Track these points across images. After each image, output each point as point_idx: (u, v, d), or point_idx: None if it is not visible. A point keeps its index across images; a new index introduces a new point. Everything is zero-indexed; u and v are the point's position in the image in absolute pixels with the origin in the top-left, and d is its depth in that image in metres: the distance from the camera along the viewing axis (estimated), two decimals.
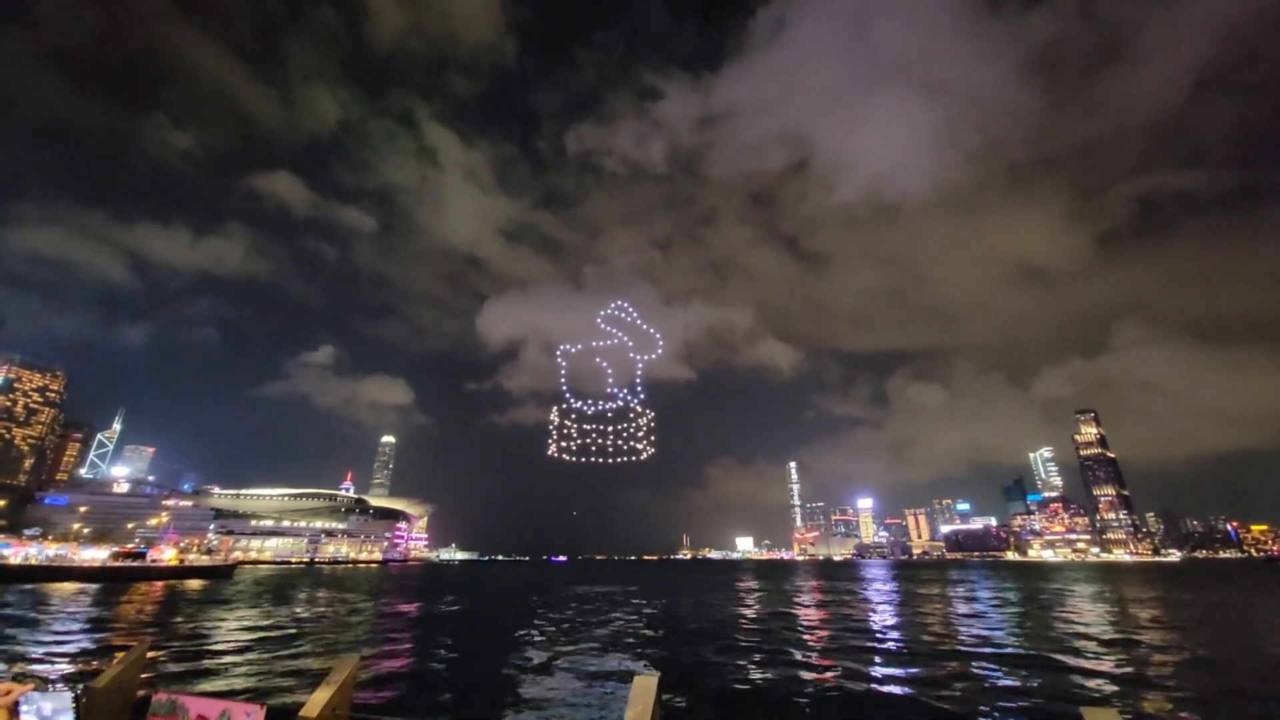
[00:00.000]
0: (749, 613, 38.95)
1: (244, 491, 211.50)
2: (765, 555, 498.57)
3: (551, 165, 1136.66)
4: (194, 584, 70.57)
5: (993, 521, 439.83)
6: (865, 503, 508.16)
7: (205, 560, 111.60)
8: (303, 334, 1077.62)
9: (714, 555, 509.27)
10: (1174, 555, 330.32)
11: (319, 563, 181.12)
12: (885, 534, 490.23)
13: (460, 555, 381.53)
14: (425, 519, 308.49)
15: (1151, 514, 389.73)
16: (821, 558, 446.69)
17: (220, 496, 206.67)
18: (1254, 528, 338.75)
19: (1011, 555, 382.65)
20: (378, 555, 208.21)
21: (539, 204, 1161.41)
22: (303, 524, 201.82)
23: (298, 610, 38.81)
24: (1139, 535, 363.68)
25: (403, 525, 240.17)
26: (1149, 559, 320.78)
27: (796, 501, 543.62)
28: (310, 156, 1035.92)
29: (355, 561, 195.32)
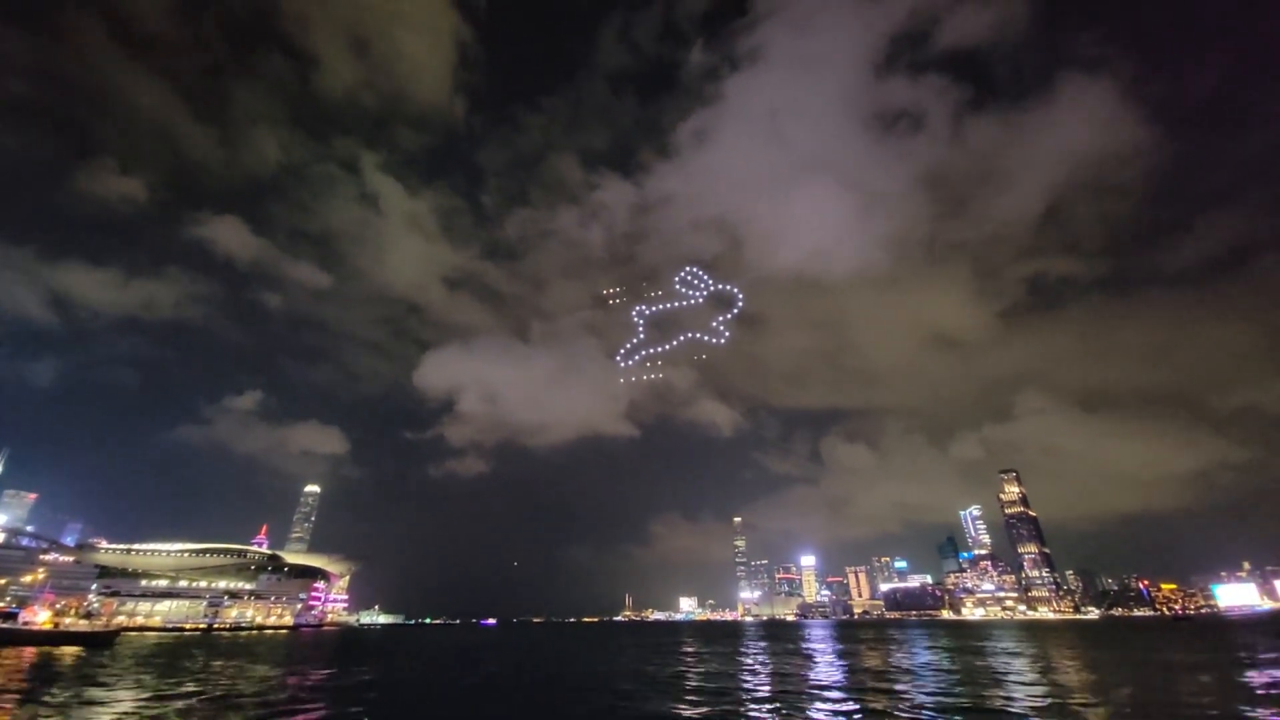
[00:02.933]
0: (692, 696, 37.52)
1: (136, 546, 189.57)
2: (709, 615, 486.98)
3: (495, 219, 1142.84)
4: (69, 652, 62.19)
5: (929, 579, 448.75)
6: (808, 560, 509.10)
7: (84, 625, 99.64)
8: (228, 377, 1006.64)
9: (658, 616, 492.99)
10: (1093, 613, 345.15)
11: (218, 629, 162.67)
12: (828, 593, 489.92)
13: (383, 618, 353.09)
14: (347, 578, 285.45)
15: (1070, 571, 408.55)
16: (765, 618, 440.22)
17: (107, 552, 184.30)
18: (1164, 586, 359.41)
19: (947, 614, 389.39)
20: (289, 619, 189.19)
21: (483, 255, 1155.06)
22: (203, 584, 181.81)
23: (185, 686, 34.24)
24: (1060, 593, 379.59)
25: (321, 585, 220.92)
26: (1071, 616, 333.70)
27: (741, 559, 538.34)
28: (248, 198, 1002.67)
29: (261, 627, 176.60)
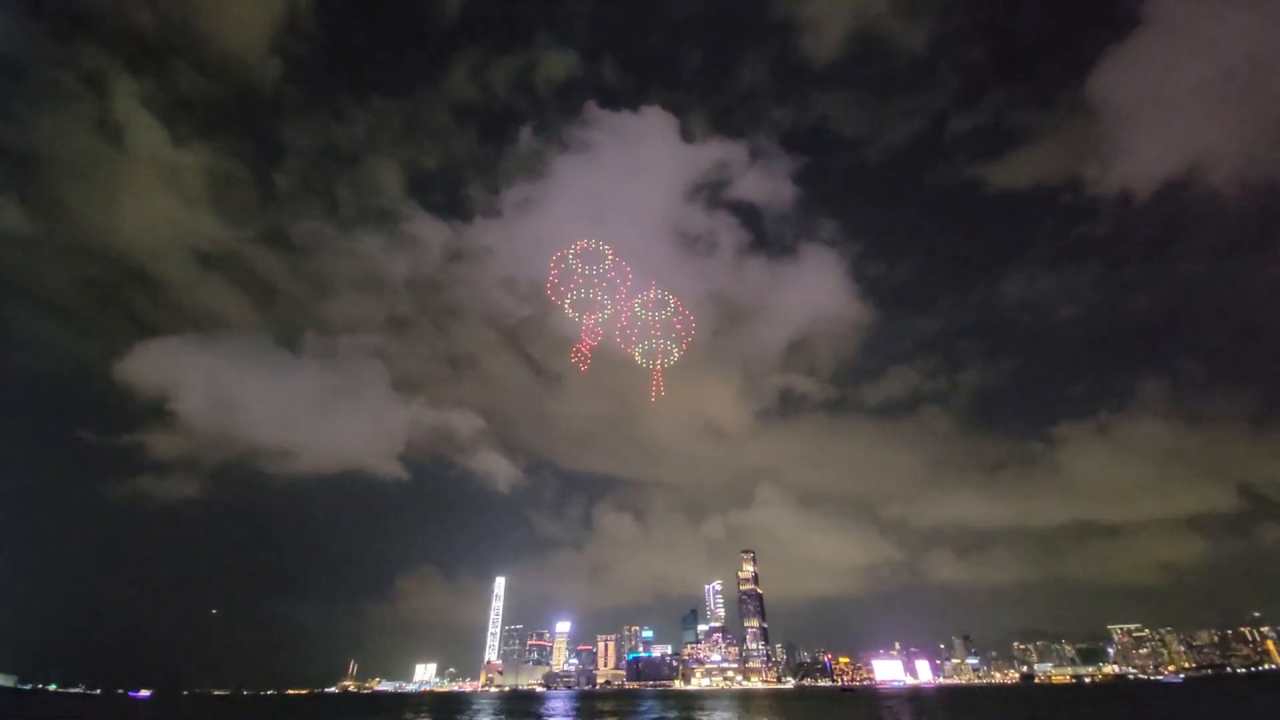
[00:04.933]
0: None
1: None
2: (447, 686, 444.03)
3: (287, 202, 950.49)
4: None
5: (669, 650, 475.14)
6: (564, 626, 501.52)
7: None
8: None
9: (386, 687, 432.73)
10: (790, 683, 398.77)
11: None
12: (575, 661, 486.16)
13: None
14: None
15: (779, 644, 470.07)
16: (508, 689, 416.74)
17: None
18: (841, 660, 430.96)
19: (679, 684, 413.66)
20: None
21: (260, 238, 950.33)
22: None
23: None
24: (770, 664, 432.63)
25: None
26: (774, 686, 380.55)
27: (496, 623, 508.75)
28: None
29: None
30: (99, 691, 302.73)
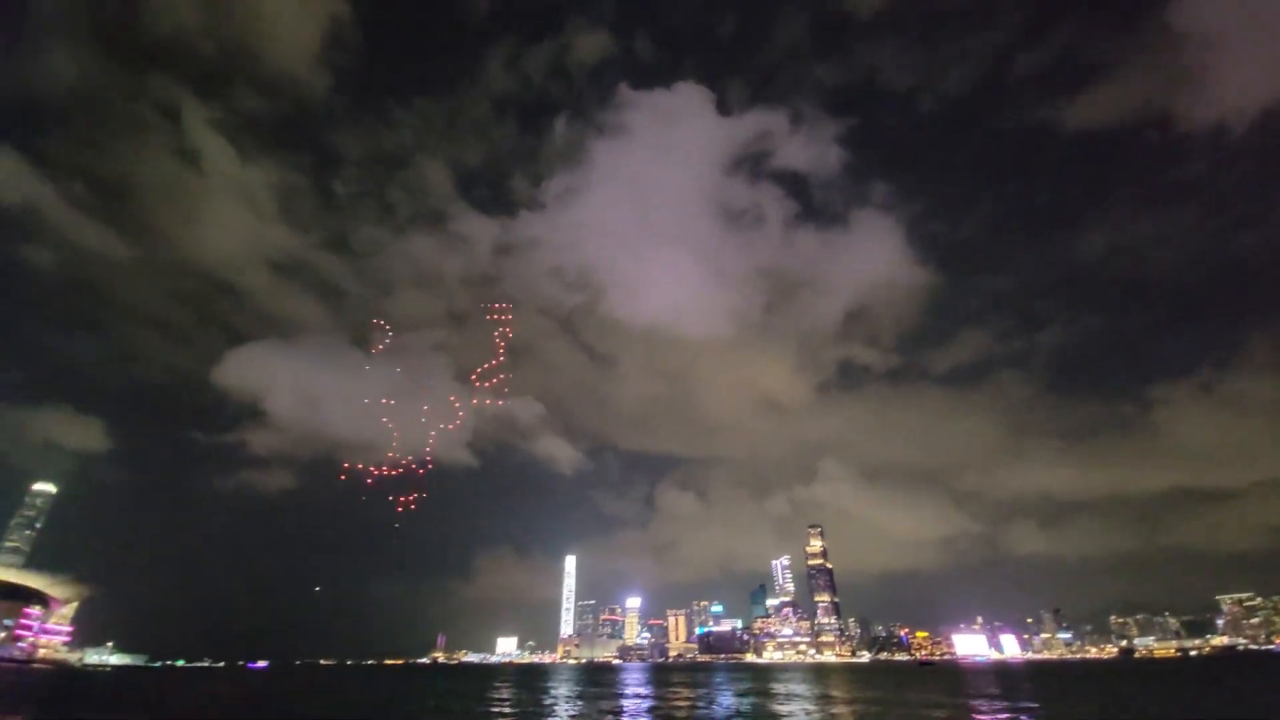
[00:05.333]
0: None
1: None
2: (527, 658, 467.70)
3: (346, 208, 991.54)
4: None
5: (739, 624, 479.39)
6: (634, 602, 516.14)
7: None
8: None
9: (472, 658, 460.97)
10: (865, 656, 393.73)
11: None
12: (648, 635, 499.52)
13: (118, 658, 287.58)
14: (74, 605, 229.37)
15: (852, 619, 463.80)
16: (584, 660, 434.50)
17: None
18: (919, 634, 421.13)
19: (751, 657, 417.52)
20: None
21: (325, 244, 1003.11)
22: None
23: None
24: (843, 638, 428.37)
25: (36, 610, 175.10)
26: (848, 659, 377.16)
27: (569, 599, 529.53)
28: (27, 124, 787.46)
29: None
30: (222, 665, 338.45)
